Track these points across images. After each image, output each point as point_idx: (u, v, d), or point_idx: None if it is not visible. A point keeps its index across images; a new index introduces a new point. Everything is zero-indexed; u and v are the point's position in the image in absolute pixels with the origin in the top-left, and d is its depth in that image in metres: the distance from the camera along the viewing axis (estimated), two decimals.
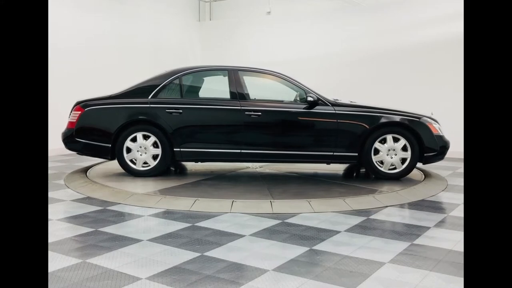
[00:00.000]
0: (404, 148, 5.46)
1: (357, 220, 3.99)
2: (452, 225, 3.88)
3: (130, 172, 5.67)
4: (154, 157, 5.60)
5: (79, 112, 5.70)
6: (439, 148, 5.48)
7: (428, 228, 3.78)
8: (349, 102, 5.75)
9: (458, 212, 4.30)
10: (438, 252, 3.19)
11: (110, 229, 3.69)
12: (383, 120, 5.45)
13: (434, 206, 4.55)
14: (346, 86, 8.71)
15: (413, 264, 2.95)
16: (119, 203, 4.52)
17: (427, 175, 5.97)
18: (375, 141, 5.45)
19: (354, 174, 6.24)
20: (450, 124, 7.31)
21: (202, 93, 6.06)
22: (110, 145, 5.57)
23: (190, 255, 3.09)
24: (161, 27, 10.15)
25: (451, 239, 3.48)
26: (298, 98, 5.67)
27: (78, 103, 5.81)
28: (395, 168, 5.53)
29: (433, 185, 5.43)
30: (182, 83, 5.75)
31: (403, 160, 5.50)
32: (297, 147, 5.54)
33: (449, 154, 5.85)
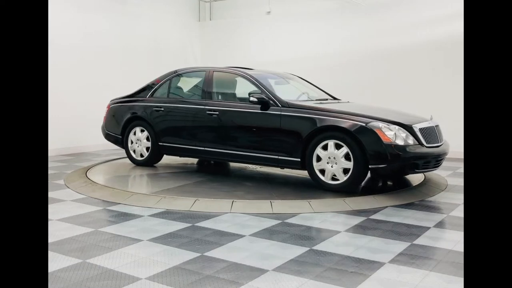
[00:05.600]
0: (349, 157, 4.75)
1: (357, 220, 3.99)
2: (452, 225, 3.88)
3: (131, 161, 6.62)
4: (148, 149, 6.38)
5: (107, 109, 6.88)
6: (390, 159, 4.56)
7: (428, 228, 3.78)
8: (302, 103, 5.26)
9: (458, 212, 4.30)
10: (438, 252, 3.19)
11: (110, 229, 3.69)
12: (323, 123, 4.85)
13: (434, 206, 4.55)
14: (345, 86, 8.70)
15: (413, 264, 2.95)
16: (119, 203, 4.52)
17: (427, 175, 5.96)
18: (316, 146, 4.89)
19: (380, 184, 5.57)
20: (450, 124, 7.31)
21: (185, 93, 6.39)
22: (121, 137, 6.62)
23: (190, 255, 3.09)
24: (161, 27, 10.15)
25: (451, 239, 3.48)
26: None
27: (110, 101, 6.92)
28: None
29: (433, 185, 5.42)
30: (171, 84, 6.39)
31: (347, 171, 4.77)
32: (246, 148, 5.42)
33: (449, 154, 5.75)
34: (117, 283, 2.62)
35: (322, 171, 4.93)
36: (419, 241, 3.43)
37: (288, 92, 6.06)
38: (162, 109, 6.15)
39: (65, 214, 4.14)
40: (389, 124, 4.75)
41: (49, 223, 3.83)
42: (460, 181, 5.78)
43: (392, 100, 8.16)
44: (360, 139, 4.66)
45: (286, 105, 5.19)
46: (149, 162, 6.43)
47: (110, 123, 6.78)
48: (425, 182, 5.51)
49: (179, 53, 10.51)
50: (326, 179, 4.90)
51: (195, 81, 6.35)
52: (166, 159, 6.90)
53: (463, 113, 1.95)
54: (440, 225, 3.89)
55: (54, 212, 4.19)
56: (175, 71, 6.42)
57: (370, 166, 4.67)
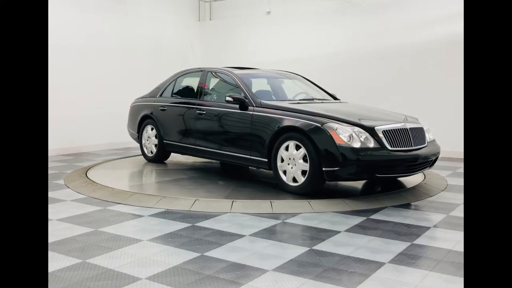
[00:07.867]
0: (307, 158, 4.59)
1: (357, 220, 3.99)
2: (452, 225, 3.88)
3: (144, 157, 7.04)
4: (156, 146, 6.75)
5: (130, 108, 7.31)
6: (343, 162, 4.35)
7: (428, 228, 3.78)
8: (273, 103, 5.21)
9: (458, 212, 4.30)
10: (438, 252, 3.19)
11: (110, 229, 3.69)
12: (283, 123, 4.79)
13: (434, 206, 4.55)
14: (345, 85, 8.70)
15: (413, 264, 2.95)
16: (119, 203, 4.52)
17: (427, 175, 5.97)
18: (279, 147, 4.81)
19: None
20: (450, 124, 7.31)
21: (185, 93, 6.55)
22: (137, 134, 7.05)
23: (190, 255, 3.09)
24: (161, 27, 10.15)
25: (451, 239, 3.48)
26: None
27: (134, 100, 7.32)
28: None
29: (433, 185, 5.42)
30: (175, 84, 6.67)
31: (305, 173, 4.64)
32: (225, 146, 5.52)
33: (449, 154, 5.71)
34: (117, 283, 2.62)
35: (286, 173, 4.84)
36: (419, 241, 3.43)
37: (287, 92, 6.07)
38: (166, 108, 6.46)
39: (65, 214, 4.14)
40: (346, 125, 4.53)
41: (49, 223, 3.83)
42: (460, 181, 5.78)
43: (392, 99, 8.17)
44: (314, 140, 4.51)
45: (259, 105, 5.18)
46: (157, 158, 6.79)
47: (131, 121, 7.22)
48: (425, 182, 5.52)
49: (179, 53, 10.52)
50: (287, 180, 4.80)
51: (195, 81, 6.38)
52: (180, 156, 7.17)
53: (463, 113, 1.95)
54: (440, 225, 3.89)
55: (54, 212, 4.19)
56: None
57: (323, 168, 4.46)
